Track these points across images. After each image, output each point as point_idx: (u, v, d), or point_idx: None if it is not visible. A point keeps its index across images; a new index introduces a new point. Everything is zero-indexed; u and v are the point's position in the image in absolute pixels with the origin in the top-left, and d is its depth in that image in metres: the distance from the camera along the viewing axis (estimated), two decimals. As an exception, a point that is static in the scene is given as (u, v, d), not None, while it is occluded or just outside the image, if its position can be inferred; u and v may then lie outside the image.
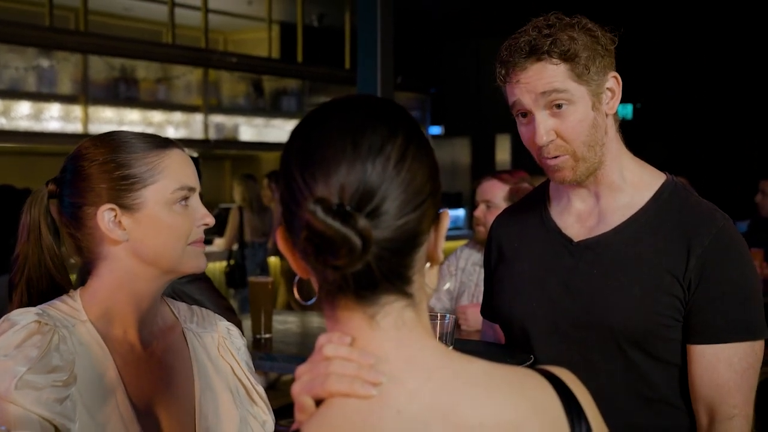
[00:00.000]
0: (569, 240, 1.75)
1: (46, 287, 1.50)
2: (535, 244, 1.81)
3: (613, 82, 1.69)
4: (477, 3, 9.86)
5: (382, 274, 0.88)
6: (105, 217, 1.44)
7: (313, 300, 0.95)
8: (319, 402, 0.91)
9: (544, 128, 1.65)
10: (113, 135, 1.49)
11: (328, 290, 0.90)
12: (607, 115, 1.69)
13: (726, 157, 9.88)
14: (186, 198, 1.48)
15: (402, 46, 5.09)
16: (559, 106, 1.64)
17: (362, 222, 0.85)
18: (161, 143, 1.49)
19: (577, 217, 1.76)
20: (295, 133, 0.93)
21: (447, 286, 3.66)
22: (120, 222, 1.44)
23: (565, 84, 1.64)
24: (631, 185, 1.73)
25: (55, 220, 1.50)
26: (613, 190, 1.73)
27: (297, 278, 0.97)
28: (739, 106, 9.82)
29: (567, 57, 1.63)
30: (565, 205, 1.78)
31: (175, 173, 1.47)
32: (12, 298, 1.51)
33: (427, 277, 0.94)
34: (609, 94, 1.69)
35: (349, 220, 0.84)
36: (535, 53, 1.64)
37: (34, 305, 1.45)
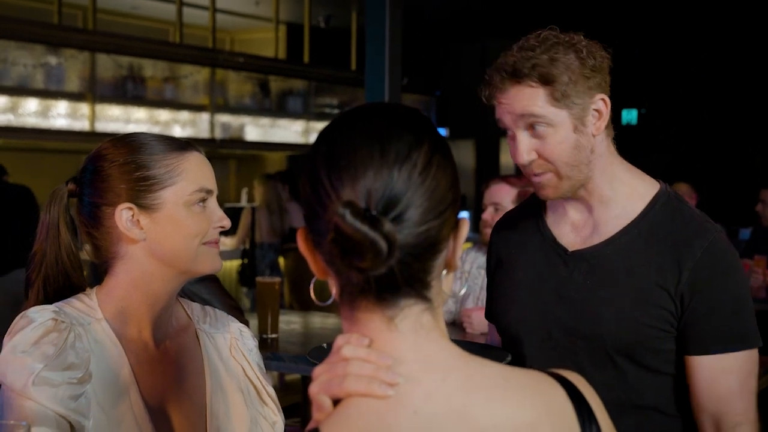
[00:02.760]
0: (564, 249, 1.76)
1: (63, 285, 1.51)
2: (531, 252, 1.83)
3: (600, 104, 1.68)
4: (482, 5, 9.86)
5: (404, 278, 0.89)
6: (123, 216, 1.45)
7: (330, 300, 0.96)
8: (336, 402, 0.92)
9: (524, 148, 1.67)
10: (133, 136, 1.51)
11: (349, 292, 0.91)
12: (594, 136, 1.69)
13: (730, 163, 9.88)
14: (204, 200, 1.50)
15: (407, 48, 5.10)
16: (538, 128, 1.66)
17: (388, 226, 0.86)
18: (181, 146, 1.51)
19: (572, 227, 1.78)
20: (322, 137, 0.95)
21: (463, 291, 3.66)
22: (138, 221, 1.46)
23: (543, 108, 1.64)
24: (623, 196, 1.73)
25: (74, 219, 1.52)
26: (604, 202, 1.73)
27: (314, 279, 0.99)
28: (743, 111, 9.82)
29: (546, 80, 1.63)
30: (561, 214, 1.80)
31: (194, 175, 1.49)
32: (28, 295, 1.53)
33: (443, 282, 0.95)
34: (596, 115, 1.68)
35: (377, 224, 0.86)
36: (515, 76, 1.65)
37: (50, 302, 1.47)
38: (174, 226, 1.47)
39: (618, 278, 1.69)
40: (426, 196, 0.89)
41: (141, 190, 1.46)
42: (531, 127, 1.66)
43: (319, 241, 0.91)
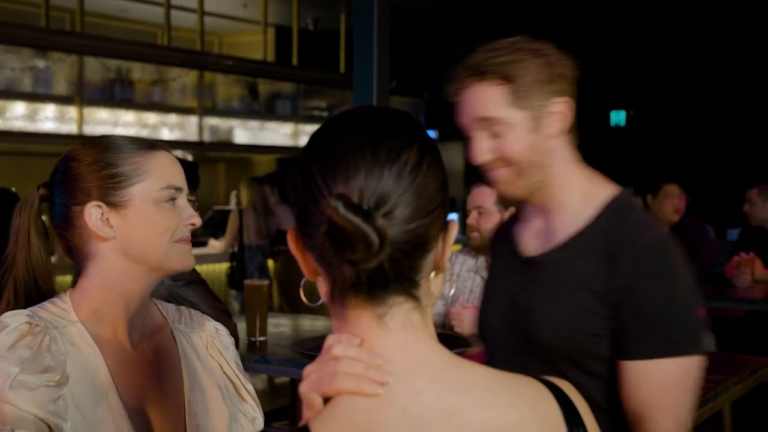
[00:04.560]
0: (520, 257, 1.80)
1: (33, 287, 1.52)
2: (500, 259, 1.89)
3: (563, 106, 1.70)
4: (470, 8, 9.89)
5: (393, 274, 0.91)
6: (92, 214, 1.46)
7: (320, 302, 0.97)
8: (326, 400, 0.93)
9: (480, 150, 1.71)
10: (103, 138, 1.53)
11: (340, 288, 0.92)
12: (551, 138, 1.70)
13: (719, 163, 9.93)
14: (173, 198, 1.50)
15: (395, 51, 5.10)
16: (495, 129, 1.68)
17: (380, 220, 0.88)
18: (149, 144, 1.52)
19: (534, 234, 1.80)
20: (314, 139, 0.97)
21: (452, 292, 3.67)
22: (107, 219, 1.46)
23: (499, 110, 1.67)
24: (578, 203, 1.74)
25: (45, 225, 1.53)
26: (560, 208, 1.75)
27: (304, 280, 0.99)
28: (732, 112, 9.87)
29: (506, 78, 1.66)
30: (526, 222, 1.83)
31: (162, 172, 1.50)
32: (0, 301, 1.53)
33: (432, 284, 0.97)
34: (557, 117, 1.70)
35: (369, 217, 0.88)
36: (476, 73, 1.68)
37: (21, 303, 1.49)
38: (143, 223, 1.47)
39: (560, 285, 1.71)
40: (415, 195, 0.91)
41: (109, 187, 1.46)
42: (488, 128, 1.69)
43: (312, 235, 0.92)
